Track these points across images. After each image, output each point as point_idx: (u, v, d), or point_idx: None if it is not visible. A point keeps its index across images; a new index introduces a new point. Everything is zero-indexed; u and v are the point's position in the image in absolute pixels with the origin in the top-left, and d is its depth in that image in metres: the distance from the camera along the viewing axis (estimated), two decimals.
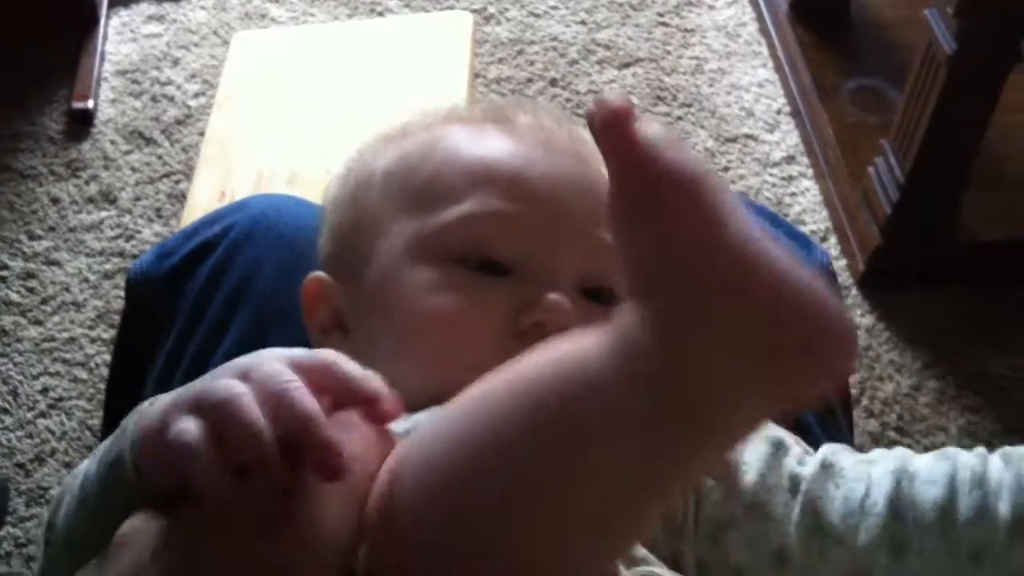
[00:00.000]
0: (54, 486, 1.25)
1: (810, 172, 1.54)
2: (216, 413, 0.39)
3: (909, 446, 1.25)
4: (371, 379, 0.43)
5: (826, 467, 0.52)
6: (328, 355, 0.43)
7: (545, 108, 0.64)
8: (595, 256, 0.57)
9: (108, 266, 1.45)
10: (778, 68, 1.68)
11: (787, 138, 1.59)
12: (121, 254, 1.46)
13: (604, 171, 0.59)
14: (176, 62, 1.72)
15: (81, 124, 1.63)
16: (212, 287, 0.72)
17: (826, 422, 0.68)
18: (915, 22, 1.29)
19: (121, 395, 0.79)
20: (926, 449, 1.25)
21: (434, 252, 0.57)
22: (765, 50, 1.71)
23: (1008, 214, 1.39)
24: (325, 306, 0.61)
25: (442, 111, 0.66)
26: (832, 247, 1.46)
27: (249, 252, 0.74)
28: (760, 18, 1.75)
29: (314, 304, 0.62)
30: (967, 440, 1.26)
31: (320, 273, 0.62)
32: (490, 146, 0.60)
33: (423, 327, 0.55)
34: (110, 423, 0.82)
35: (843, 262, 1.43)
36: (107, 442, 0.48)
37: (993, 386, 1.31)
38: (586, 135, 0.62)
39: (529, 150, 0.60)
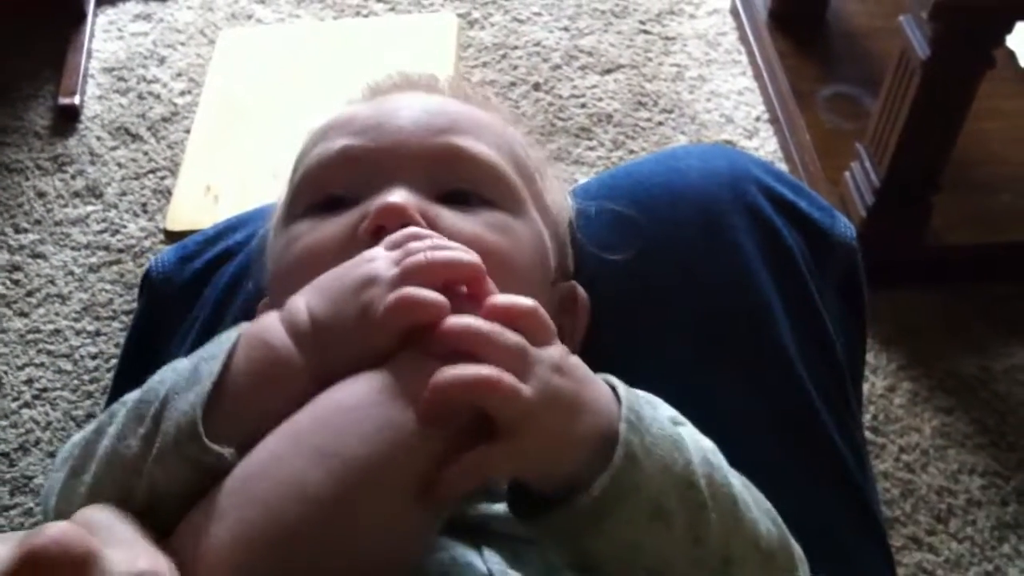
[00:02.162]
0: (38, 475, 1.26)
1: None
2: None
3: (884, 446, 1.28)
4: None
5: None
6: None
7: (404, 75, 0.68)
8: (443, 160, 0.58)
9: (93, 260, 1.46)
10: (757, 76, 1.71)
11: (766, 144, 1.62)
12: (106, 248, 1.48)
13: (455, 99, 0.64)
14: (162, 60, 1.73)
15: (68, 120, 1.64)
16: (233, 293, 0.73)
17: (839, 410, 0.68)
18: (888, 30, 1.32)
19: (129, 387, 0.80)
20: (901, 449, 1.28)
21: (293, 213, 0.59)
22: (744, 58, 1.74)
23: (980, 217, 1.42)
24: None
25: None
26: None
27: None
28: (740, 27, 1.78)
29: None
30: (940, 440, 1.29)
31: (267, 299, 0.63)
32: (337, 112, 0.63)
33: (287, 279, 0.56)
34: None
35: None
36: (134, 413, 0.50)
37: (966, 387, 1.34)
38: (434, 80, 0.66)
39: (369, 103, 0.63)
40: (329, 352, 0.48)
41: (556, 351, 0.48)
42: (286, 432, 0.46)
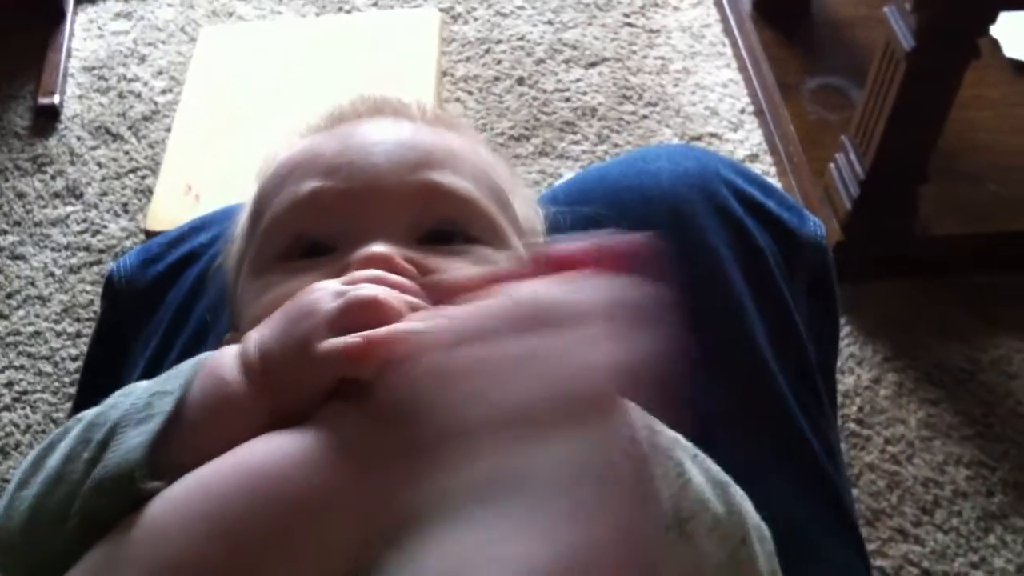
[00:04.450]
0: None
1: (773, 170, 1.56)
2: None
3: (869, 438, 1.27)
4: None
5: None
6: None
7: (363, 98, 0.64)
8: (421, 197, 0.55)
9: (74, 260, 1.45)
10: (742, 68, 1.70)
11: (751, 136, 1.61)
12: (87, 249, 1.46)
13: (425, 126, 0.60)
14: (143, 59, 1.72)
15: (47, 119, 1.63)
16: (196, 295, 0.72)
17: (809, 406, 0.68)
18: (873, 20, 1.32)
19: (93, 395, 0.78)
20: (886, 441, 1.27)
21: (264, 259, 0.56)
22: (729, 50, 1.74)
23: (965, 208, 1.41)
24: None
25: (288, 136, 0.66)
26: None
27: None
28: (724, 19, 1.77)
29: None
30: (926, 431, 1.28)
31: (229, 335, 0.62)
32: (300, 146, 0.59)
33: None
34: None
35: None
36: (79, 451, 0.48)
37: (952, 378, 1.33)
38: (397, 103, 0.62)
39: (332, 135, 0.59)
40: (277, 387, 0.47)
41: None
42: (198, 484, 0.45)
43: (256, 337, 0.48)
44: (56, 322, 1.38)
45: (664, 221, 0.67)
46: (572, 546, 0.38)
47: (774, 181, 1.55)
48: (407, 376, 0.42)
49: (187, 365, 0.50)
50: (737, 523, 0.50)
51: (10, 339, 1.37)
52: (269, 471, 0.44)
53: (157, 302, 0.73)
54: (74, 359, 1.35)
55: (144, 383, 0.50)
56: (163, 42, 1.74)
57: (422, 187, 0.54)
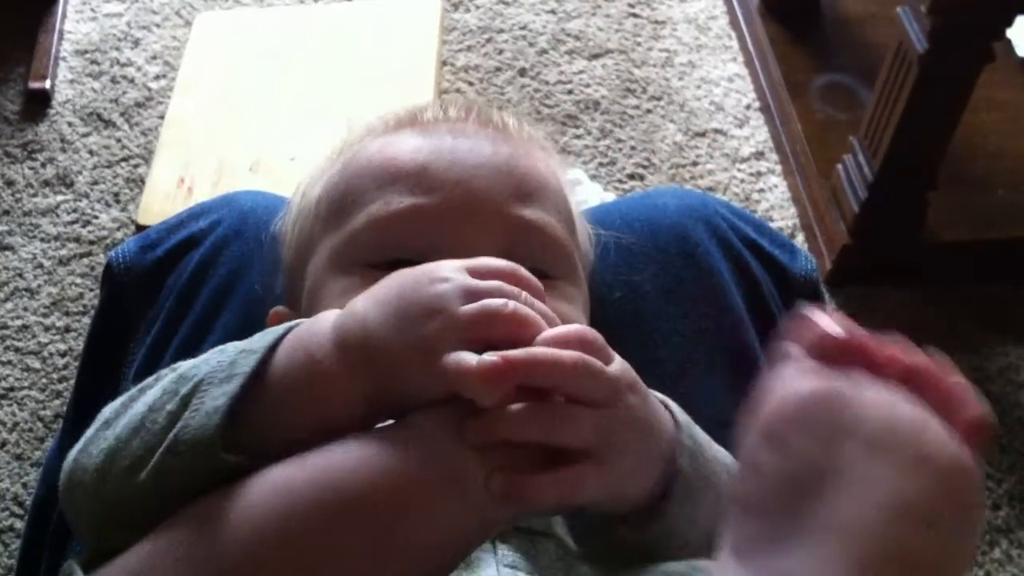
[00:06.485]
0: (4, 479, 1.22)
1: (778, 169, 1.53)
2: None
3: None
4: None
5: None
6: None
7: (456, 99, 0.65)
8: (514, 234, 0.57)
9: (64, 252, 1.42)
10: (748, 63, 1.67)
11: (756, 134, 1.58)
12: (77, 239, 1.43)
13: (519, 148, 0.62)
14: (137, 43, 1.68)
15: (38, 105, 1.59)
16: (199, 281, 0.72)
17: None
18: (884, 19, 1.29)
19: (95, 381, 0.78)
20: None
21: (348, 260, 0.57)
22: (735, 44, 1.70)
23: (975, 214, 1.39)
24: None
25: (361, 128, 0.66)
26: (800, 245, 1.45)
27: (237, 248, 0.73)
28: (731, 11, 1.74)
29: None
30: None
31: (280, 308, 0.63)
32: (395, 149, 0.60)
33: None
34: (80, 410, 0.81)
35: None
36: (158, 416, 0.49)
37: None
38: (495, 116, 0.64)
39: (434, 143, 0.60)
40: (380, 378, 0.46)
41: (624, 368, 0.48)
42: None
43: (361, 318, 0.47)
44: (45, 316, 1.35)
45: (673, 245, 0.71)
46: None
47: (779, 180, 1.52)
48: None
49: (278, 328, 0.49)
50: None
51: None
52: (363, 495, 0.43)
53: (156, 289, 0.73)
54: (63, 354, 1.32)
55: (238, 342, 0.50)
56: (157, 26, 1.71)
57: (516, 222, 0.57)
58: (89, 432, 0.52)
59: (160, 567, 0.44)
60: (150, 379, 0.52)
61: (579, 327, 0.48)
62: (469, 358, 0.44)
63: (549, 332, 0.46)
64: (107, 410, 0.52)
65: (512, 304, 0.46)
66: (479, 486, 0.44)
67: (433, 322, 0.45)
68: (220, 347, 0.50)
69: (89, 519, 0.52)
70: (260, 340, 0.49)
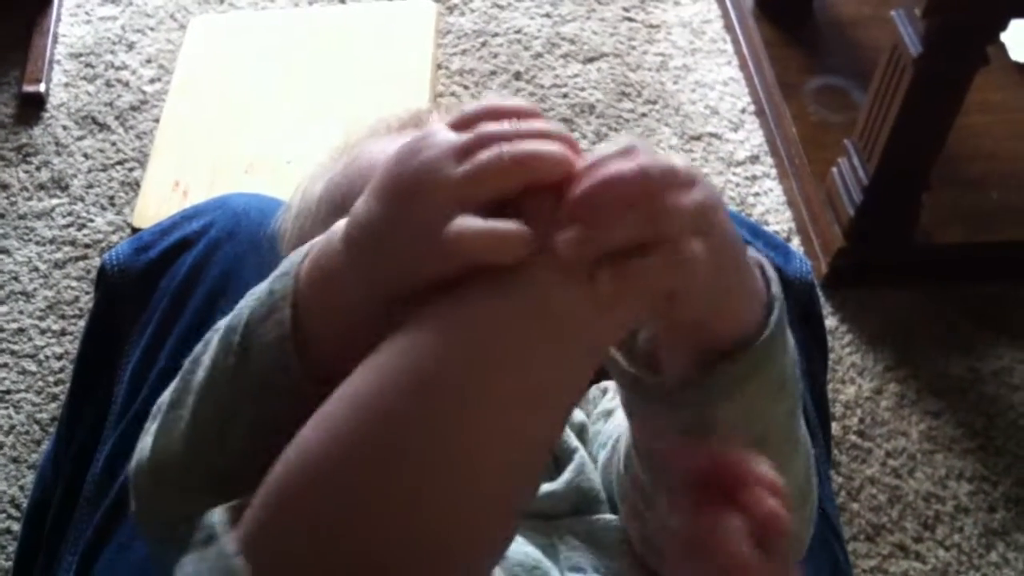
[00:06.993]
0: (0, 481, 1.21)
1: (774, 172, 1.54)
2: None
3: (870, 450, 1.25)
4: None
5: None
6: None
7: (457, 105, 0.64)
8: None
9: (59, 255, 1.41)
10: (743, 66, 1.67)
11: (751, 137, 1.58)
12: (72, 243, 1.43)
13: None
14: (131, 46, 1.68)
15: (32, 108, 1.58)
16: (192, 282, 0.72)
17: None
18: (878, 20, 1.29)
19: (89, 384, 0.78)
20: (887, 454, 1.25)
21: None
22: (730, 47, 1.71)
23: (969, 216, 1.39)
24: None
25: (363, 129, 0.66)
26: (795, 248, 1.45)
27: (230, 249, 0.74)
28: (725, 15, 1.74)
29: None
30: (928, 444, 1.27)
31: None
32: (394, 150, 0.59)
33: None
34: (74, 410, 0.81)
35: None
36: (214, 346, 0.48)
37: (954, 388, 1.31)
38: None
39: None
40: (380, 263, 0.43)
41: (707, 193, 0.42)
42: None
43: (363, 213, 0.44)
44: (40, 319, 1.35)
45: None
46: None
47: (774, 184, 1.52)
48: None
49: (303, 248, 0.47)
50: None
51: None
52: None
53: (151, 290, 0.74)
54: (59, 357, 1.31)
55: (263, 285, 0.49)
56: (152, 29, 1.70)
57: None
58: (159, 420, 0.50)
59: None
60: (198, 348, 0.50)
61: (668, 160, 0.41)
62: (469, 223, 0.40)
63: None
64: (167, 394, 0.51)
65: (507, 149, 0.40)
66: (579, 303, 0.39)
67: (427, 197, 0.41)
68: (249, 291, 0.49)
69: (184, 498, 0.48)
70: (288, 262, 0.47)
